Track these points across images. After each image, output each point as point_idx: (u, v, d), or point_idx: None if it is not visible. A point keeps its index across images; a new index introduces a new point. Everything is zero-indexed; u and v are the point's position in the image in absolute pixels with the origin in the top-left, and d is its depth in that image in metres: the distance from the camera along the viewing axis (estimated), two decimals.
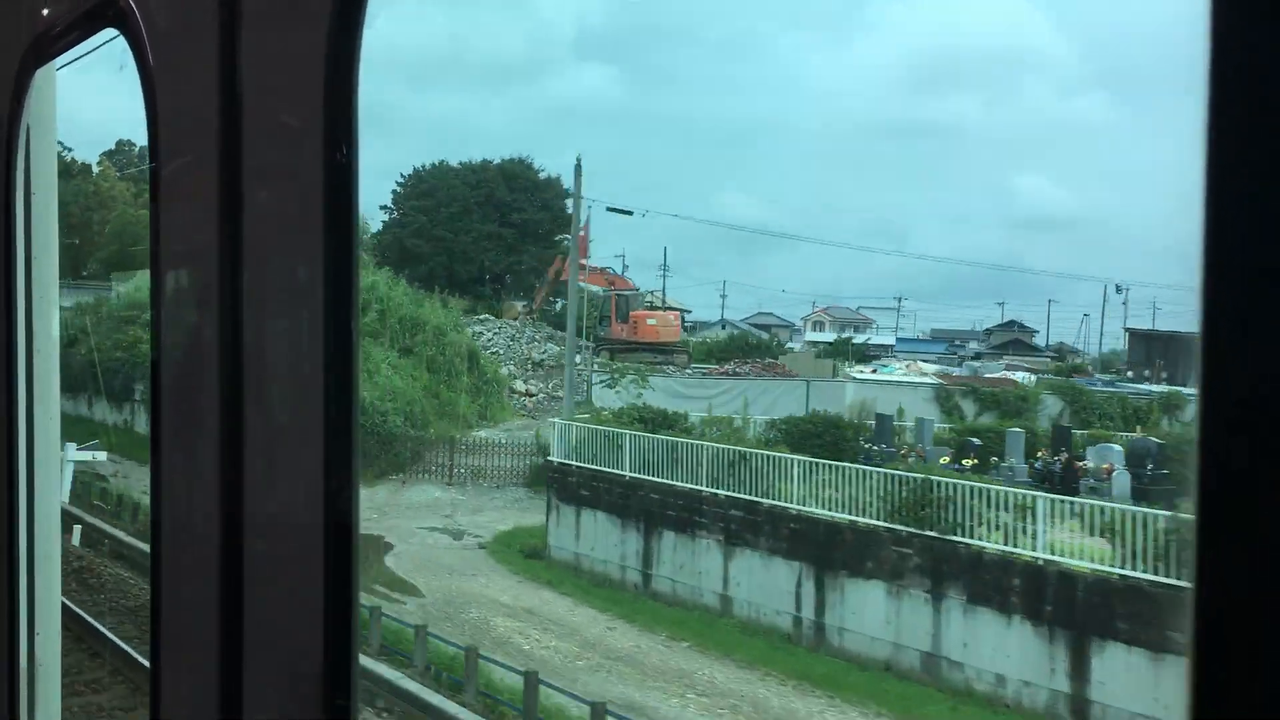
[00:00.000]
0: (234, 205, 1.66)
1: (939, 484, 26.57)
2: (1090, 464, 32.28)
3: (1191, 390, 0.76)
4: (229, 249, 1.67)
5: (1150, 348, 67.96)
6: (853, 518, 27.55)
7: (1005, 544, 24.82)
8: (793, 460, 29.99)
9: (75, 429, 37.50)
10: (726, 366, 57.36)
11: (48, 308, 2.66)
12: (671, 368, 56.08)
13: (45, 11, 2.34)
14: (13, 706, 2.56)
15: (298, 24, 1.59)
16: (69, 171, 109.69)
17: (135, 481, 34.17)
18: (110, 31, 2.08)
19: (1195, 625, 0.73)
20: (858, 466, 29.58)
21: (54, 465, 2.68)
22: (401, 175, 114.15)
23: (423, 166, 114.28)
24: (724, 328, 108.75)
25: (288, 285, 1.65)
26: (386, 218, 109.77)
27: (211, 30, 1.68)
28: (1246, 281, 0.71)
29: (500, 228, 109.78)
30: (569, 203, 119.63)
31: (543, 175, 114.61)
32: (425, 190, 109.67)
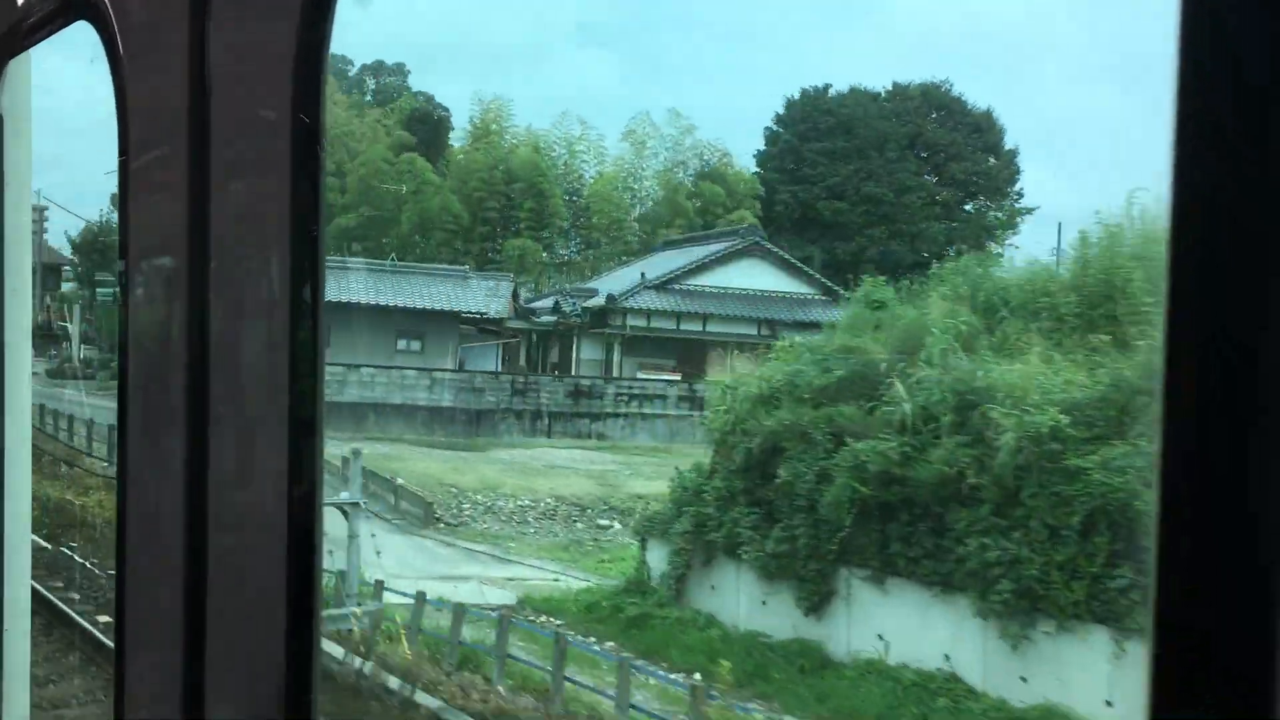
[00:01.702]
0: (202, 198, 1.66)
1: None
2: None
3: None
4: (197, 242, 1.67)
5: None
6: None
7: None
8: None
9: None
10: None
11: (20, 296, 2.66)
12: None
13: (19, 1, 2.34)
14: None
15: (267, 17, 1.61)
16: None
17: None
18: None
19: (1156, 618, 0.74)
20: None
21: (25, 460, 2.68)
22: (784, 103, 77.41)
23: (810, 90, 76.62)
24: None
25: (256, 279, 1.65)
26: (763, 165, 72.36)
27: (182, 23, 1.69)
28: (1210, 272, 0.73)
29: (935, 183, 72.79)
30: (1007, 144, 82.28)
31: (970, 107, 76.10)
32: (833, 127, 71.79)
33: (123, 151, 1.82)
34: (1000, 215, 75.77)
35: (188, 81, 1.68)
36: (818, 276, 53.64)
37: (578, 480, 34.00)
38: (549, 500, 31.78)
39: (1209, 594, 0.72)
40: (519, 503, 31.57)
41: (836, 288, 53.74)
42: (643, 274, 50.21)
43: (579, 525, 30.94)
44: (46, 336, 61.18)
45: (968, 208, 74.91)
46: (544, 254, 68.35)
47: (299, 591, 1.58)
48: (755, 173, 70.80)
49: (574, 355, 50.97)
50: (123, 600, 1.87)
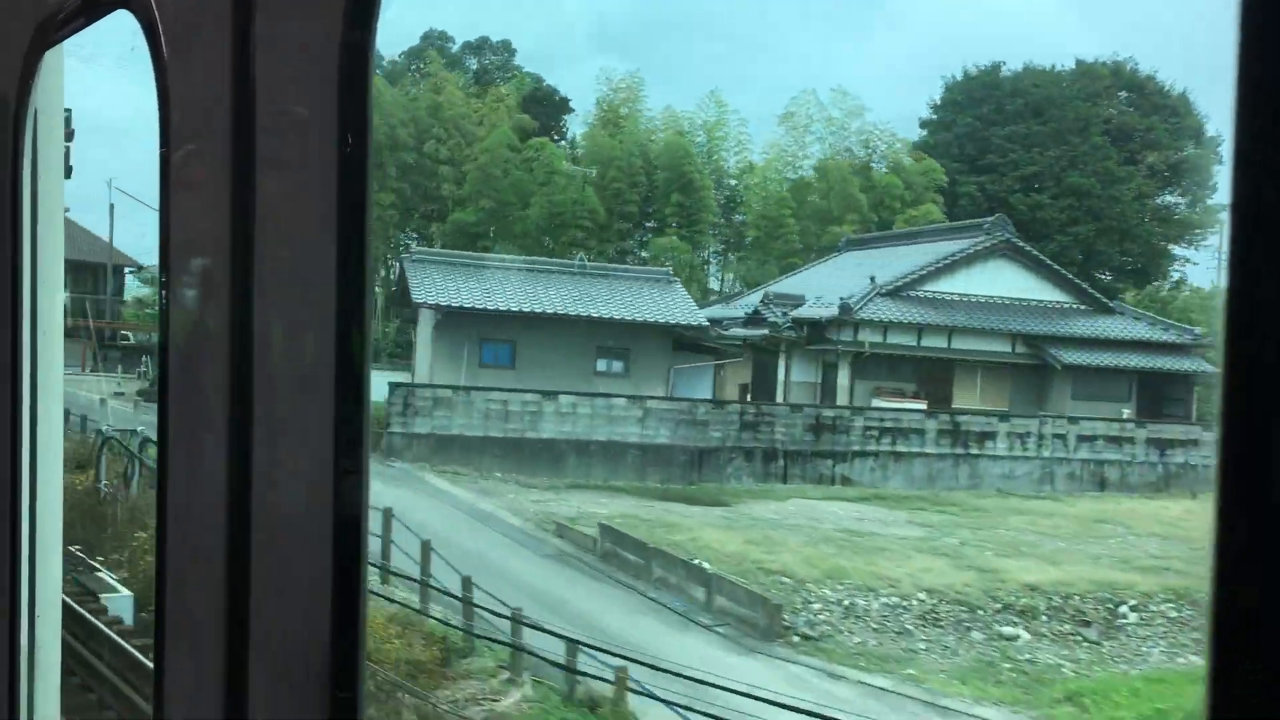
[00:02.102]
0: (245, 194, 1.66)
1: None
2: None
3: None
4: (240, 238, 1.67)
5: None
6: None
7: None
8: None
9: None
10: None
11: (52, 293, 2.69)
12: None
13: None
14: (12, 689, 2.60)
15: (312, 11, 1.60)
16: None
17: None
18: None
19: (1214, 622, 0.73)
20: None
21: (57, 451, 2.71)
22: (944, 83, 68.00)
23: (977, 69, 67.37)
24: None
25: (299, 275, 1.66)
26: (928, 153, 62.93)
27: (225, 15, 1.68)
28: (1270, 277, 0.71)
29: (1134, 171, 63.36)
30: (1208, 128, 72.65)
31: (1166, 88, 66.74)
32: (1020, 109, 62.49)
33: (163, 144, 1.81)
34: (1195, 212, 66.42)
35: (231, 74, 1.66)
36: (1077, 281, 44.45)
37: (929, 561, 24.94)
38: (921, 596, 22.68)
39: (1269, 587, 0.70)
40: (882, 600, 22.46)
41: (1100, 295, 44.56)
42: (872, 278, 41.10)
43: (974, 635, 21.83)
44: (134, 350, 52.40)
45: (1157, 202, 65.63)
46: (692, 254, 59.26)
47: (344, 589, 1.57)
48: (925, 158, 61.48)
49: (780, 377, 41.85)
50: (163, 600, 1.88)
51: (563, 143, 65.81)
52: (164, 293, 1.81)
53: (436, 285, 35.84)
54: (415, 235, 63.58)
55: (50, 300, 2.65)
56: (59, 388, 2.74)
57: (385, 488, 29.48)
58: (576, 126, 68.36)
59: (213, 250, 1.73)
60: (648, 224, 62.55)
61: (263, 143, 1.64)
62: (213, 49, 1.70)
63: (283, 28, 1.64)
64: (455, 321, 35.38)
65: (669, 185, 59.23)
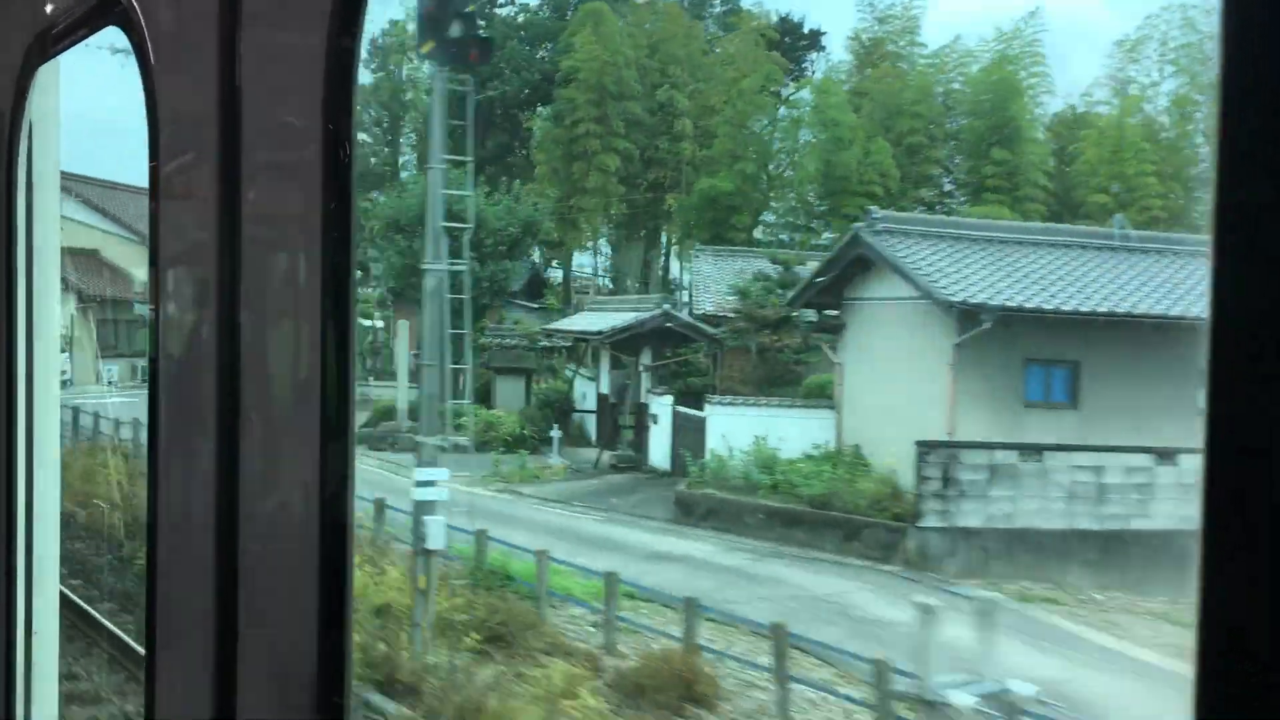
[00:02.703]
0: (233, 204, 1.68)
1: None
2: None
3: None
4: (228, 247, 1.69)
5: None
6: None
7: None
8: None
9: None
10: None
11: (48, 303, 2.69)
12: None
13: (48, 9, 2.37)
14: (9, 708, 2.55)
15: (298, 23, 1.61)
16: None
17: None
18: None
19: (1201, 633, 0.73)
20: None
21: (54, 461, 2.71)
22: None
23: None
24: None
25: (286, 284, 1.67)
26: None
27: (212, 29, 1.70)
28: (1256, 276, 0.71)
29: None
30: None
31: None
32: None
33: (153, 156, 1.81)
34: None
35: (218, 87, 1.66)
36: None
37: None
38: None
39: (1256, 591, 0.70)
40: None
41: None
42: None
43: None
44: None
45: None
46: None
47: (331, 594, 1.56)
48: None
49: None
50: (154, 604, 1.85)
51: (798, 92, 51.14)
52: (154, 301, 1.79)
53: (941, 270, 21.21)
54: (619, 218, 49.07)
55: (46, 309, 2.63)
56: (55, 397, 2.71)
57: (1020, 652, 14.82)
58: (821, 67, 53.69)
59: (201, 259, 1.70)
60: (931, 191, 47.97)
61: (249, 152, 1.62)
62: (200, 61, 1.68)
63: (269, 38, 1.63)
64: (994, 331, 20.67)
65: (985, 136, 44.50)
